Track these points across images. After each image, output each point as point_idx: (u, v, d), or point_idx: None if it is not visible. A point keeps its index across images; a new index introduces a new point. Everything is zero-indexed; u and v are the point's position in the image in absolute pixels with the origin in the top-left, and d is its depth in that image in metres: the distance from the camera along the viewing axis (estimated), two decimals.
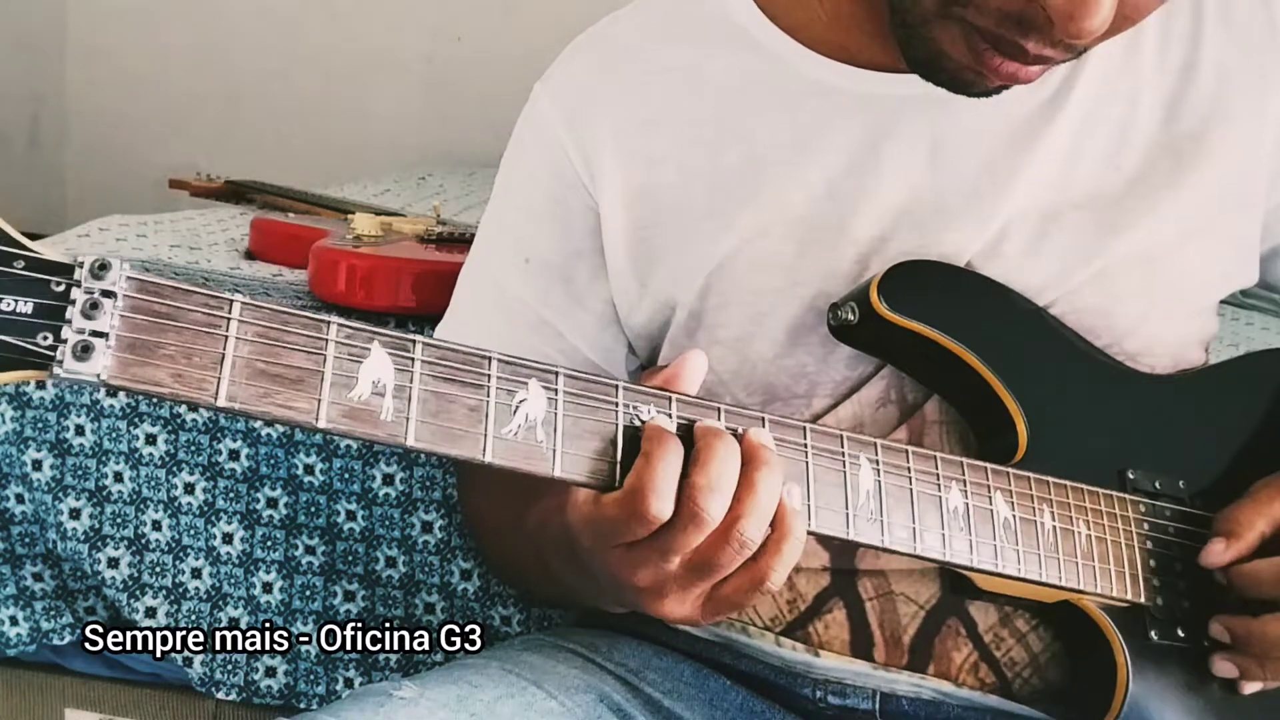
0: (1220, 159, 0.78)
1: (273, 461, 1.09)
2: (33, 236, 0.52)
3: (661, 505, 0.57)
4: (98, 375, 0.49)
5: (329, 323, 0.54)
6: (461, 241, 1.23)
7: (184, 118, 3.23)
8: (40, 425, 1.09)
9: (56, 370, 0.49)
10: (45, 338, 0.49)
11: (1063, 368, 0.76)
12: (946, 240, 0.76)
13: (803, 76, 0.78)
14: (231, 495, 1.10)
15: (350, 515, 1.09)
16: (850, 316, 0.74)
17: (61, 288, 0.50)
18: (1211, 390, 0.80)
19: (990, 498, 0.69)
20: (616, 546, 0.60)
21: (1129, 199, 0.77)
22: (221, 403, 0.51)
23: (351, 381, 0.54)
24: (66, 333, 0.49)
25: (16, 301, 0.49)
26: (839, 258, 0.77)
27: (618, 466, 0.59)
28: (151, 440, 1.09)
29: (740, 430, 0.61)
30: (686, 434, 0.61)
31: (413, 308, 1.12)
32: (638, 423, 0.60)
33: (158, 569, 1.11)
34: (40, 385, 1.08)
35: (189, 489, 1.10)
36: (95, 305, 0.50)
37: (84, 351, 0.49)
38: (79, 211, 2.85)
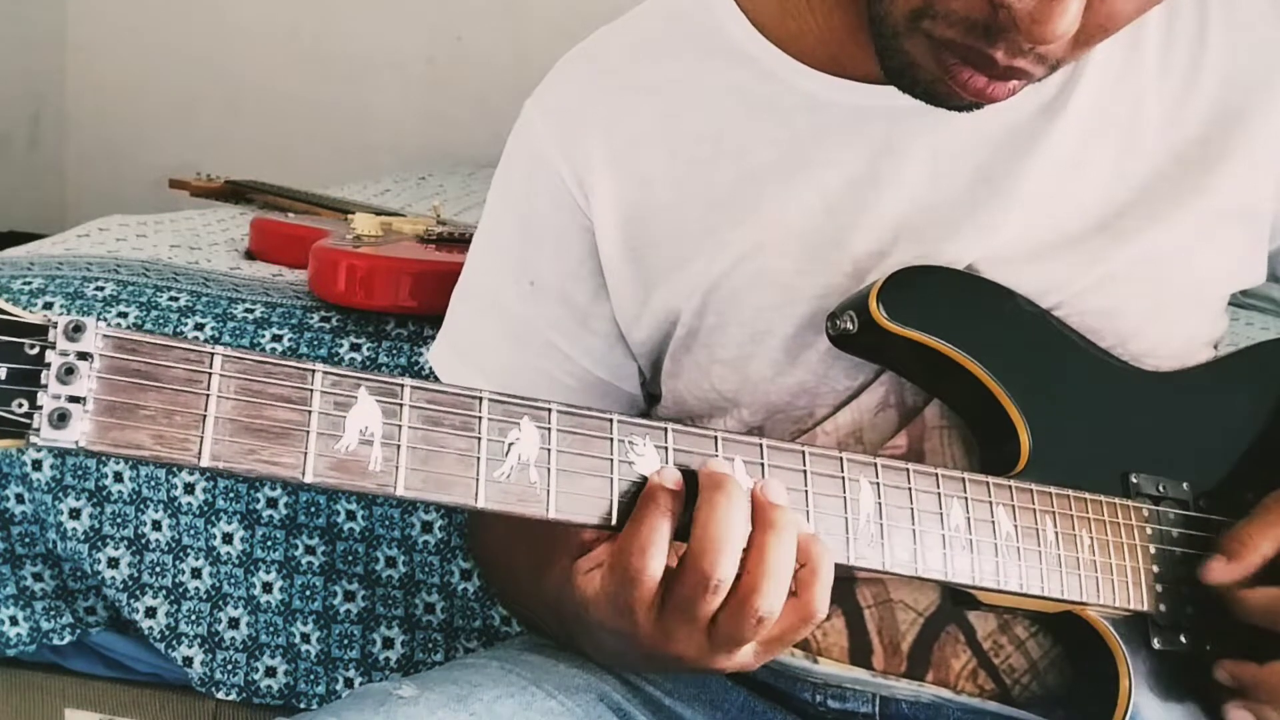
0: (1228, 163, 0.77)
1: None
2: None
3: (651, 564, 0.57)
4: (76, 442, 0.48)
5: (313, 371, 0.53)
6: (461, 242, 1.23)
7: (184, 118, 3.23)
8: None
9: (33, 439, 0.47)
10: (20, 404, 0.47)
11: (1065, 371, 0.75)
12: (947, 251, 0.75)
13: (796, 90, 0.77)
14: (231, 495, 1.10)
15: (350, 515, 1.09)
16: (850, 326, 0.73)
17: (35, 350, 0.48)
18: (1215, 386, 0.79)
19: (992, 512, 0.68)
20: (644, 618, 0.60)
21: (1135, 206, 0.76)
22: (205, 463, 0.50)
23: (338, 432, 0.53)
24: (42, 399, 0.47)
25: None
26: (837, 274, 0.76)
27: (614, 506, 0.58)
28: None
29: (751, 482, 0.60)
30: (693, 479, 0.60)
31: (413, 307, 1.12)
32: (631, 460, 0.59)
33: (158, 569, 1.11)
34: None
35: (189, 489, 1.10)
36: (71, 370, 0.48)
37: (60, 419, 0.47)
38: (79, 211, 2.84)
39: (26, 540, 1.13)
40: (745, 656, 0.62)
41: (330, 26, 3.16)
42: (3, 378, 0.47)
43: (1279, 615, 0.71)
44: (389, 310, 1.13)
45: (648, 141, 0.79)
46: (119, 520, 1.11)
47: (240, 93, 3.21)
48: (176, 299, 1.16)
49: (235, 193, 1.98)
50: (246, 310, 1.15)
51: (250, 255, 1.41)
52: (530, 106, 0.83)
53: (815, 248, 0.76)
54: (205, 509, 1.10)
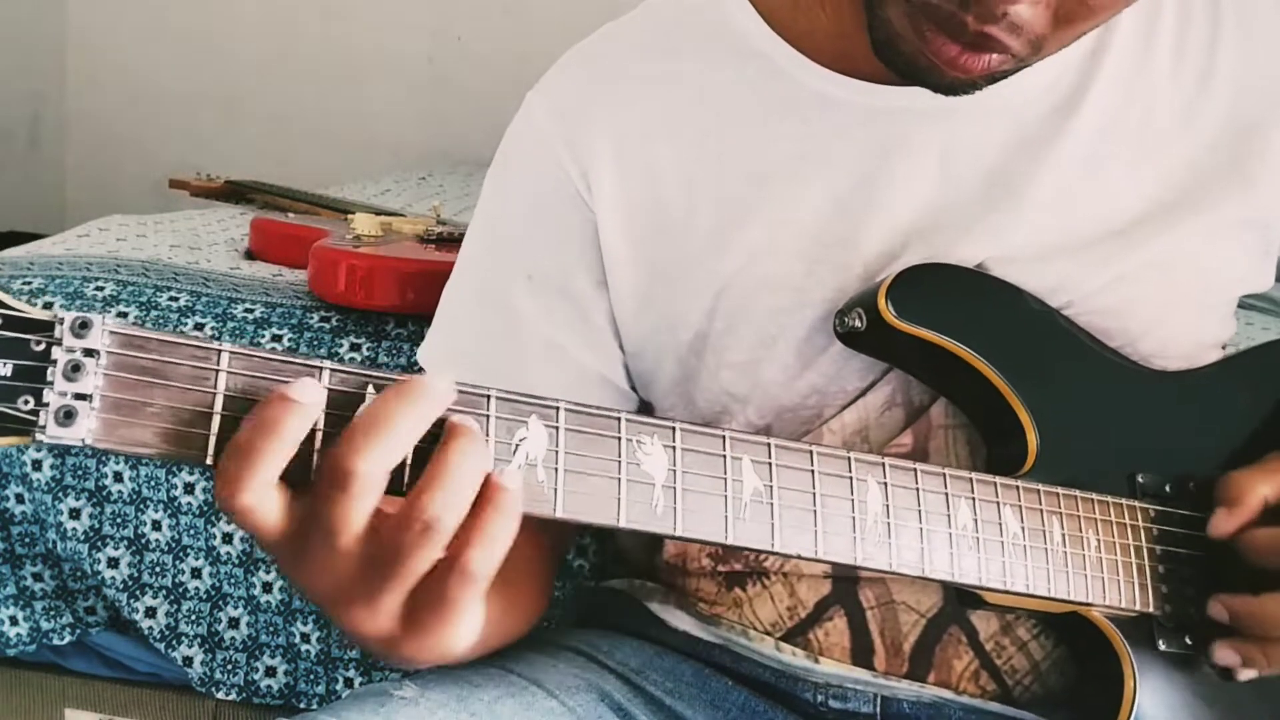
0: (1242, 173, 0.77)
1: None
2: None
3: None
4: (82, 440, 0.48)
5: (320, 368, 0.52)
6: (461, 242, 1.23)
7: (184, 118, 3.23)
8: None
9: (39, 435, 0.47)
10: (26, 401, 0.47)
11: (1073, 371, 0.75)
12: (958, 253, 0.74)
13: (807, 89, 0.76)
14: None
15: None
16: (858, 324, 0.72)
17: (41, 346, 0.48)
18: (1222, 387, 0.79)
19: (999, 513, 0.68)
20: (281, 544, 0.53)
21: (1148, 212, 0.76)
22: (212, 460, 0.50)
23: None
24: (48, 396, 0.47)
25: None
26: (849, 276, 0.75)
27: (621, 506, 0.57)
28: None
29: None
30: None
31: (413, 307, 1.12)
32: (638, 460, 0.57)
33: (158, 569, 1.11)
34: None
35: (189, 489, 1.10)
36: (77, 367, 0.48)
37: (67, 416, 0.47)
38: (79, 211, 2.84)
39: (26, 540, 1.13)
40: (387, 619, 0.54)
41: (330, 26, 3.16)
42: (8, 374, 0.47)
43: None
44: (389, 310, 1.13)
45: (654, 137, 0.78)
46: (119, 520, 1.10)
47: (240, 93, 3.21)
48: (176, 299, 1.16)
49: (235, 193, 1.98)
50: (246, 310, 1.15)
51: (250, 255, 1.41)
52: (533, 97, 0.82)
53: (825, 249, 0.75)
54: (205, 509, 1.10)
